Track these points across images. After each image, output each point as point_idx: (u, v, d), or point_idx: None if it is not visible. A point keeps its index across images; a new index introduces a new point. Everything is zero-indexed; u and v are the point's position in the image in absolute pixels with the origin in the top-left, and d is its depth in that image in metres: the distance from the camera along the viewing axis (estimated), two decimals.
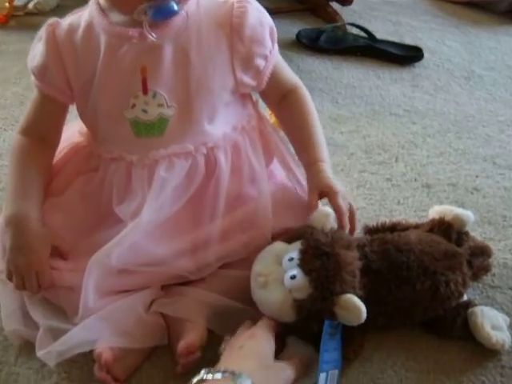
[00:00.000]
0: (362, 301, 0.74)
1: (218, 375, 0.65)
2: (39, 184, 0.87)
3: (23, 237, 0.82)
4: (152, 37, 0.79)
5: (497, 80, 1.64)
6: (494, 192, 1.17)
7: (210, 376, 0.65)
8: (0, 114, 1.37)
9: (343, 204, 0.86)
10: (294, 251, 0.78)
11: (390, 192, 1.16)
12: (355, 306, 0.74)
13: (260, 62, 0.88)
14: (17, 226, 0.82)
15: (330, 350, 0.75)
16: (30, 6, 1.87)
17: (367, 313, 0.74)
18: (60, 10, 1.82)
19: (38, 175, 0.87)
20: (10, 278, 0.82)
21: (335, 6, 1.92)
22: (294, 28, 1.78)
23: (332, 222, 0.82)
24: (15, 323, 0.82)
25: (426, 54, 1.73)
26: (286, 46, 1.71)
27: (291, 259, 0.77)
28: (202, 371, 0.66)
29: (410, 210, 1.11)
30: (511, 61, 1.77)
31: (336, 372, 0.76)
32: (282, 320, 0.77)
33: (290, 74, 0.96)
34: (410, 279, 0.81)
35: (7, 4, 1.81)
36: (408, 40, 1.82)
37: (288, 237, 0.82)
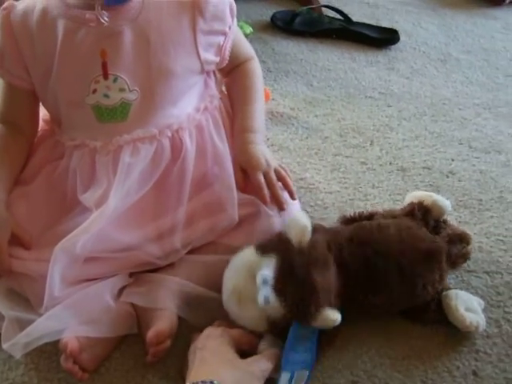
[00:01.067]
0: (338, 307, 0.74)
1: None
2: (10, 169, 0.86)
3: None
4: (104, 20, 0.77)
5: (473, 63, 1.63)
6: (469, 175, 1.17)
7: None
8: None
9: (261, 181, 0.86)
10: (267, 268, 0.75)
11: (365, 175, 1.15)
12: (331, 319, 0.73)
13: (221, 38, 0.89)
14: None
15: (299, 351, 0.74)
16: None
17: (342, 314, 0.73)
18: None
19: (10, 160, 0.87)
20: None
21: None
22: (268, 10, 1.77)
23: (308, 236, 0.78)
24: None
25: (402, 37, 1.71)
26: (260, 28, 1.69)
27: (265, 280, 0.75)
28: None
29: (385, 194, 1.11)
30: (488, 44, 1.76)
31: (305, 373, 0.74)
32: (256, 331, 0.76)
33: (245, 47, 0.98)
34: (388, 286, 0.80)
35: None
36: (384, 23, 1.81)
37: (261, 245, 0.79)
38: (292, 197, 0.89)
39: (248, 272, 0.77)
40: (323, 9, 1.79)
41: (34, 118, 0.91)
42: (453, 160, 1.21)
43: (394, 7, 1.95)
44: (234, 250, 0.81)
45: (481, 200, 1.10)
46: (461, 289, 0.88)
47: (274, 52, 1.54)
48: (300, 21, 1.72)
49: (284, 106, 1.33)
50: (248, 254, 0.79)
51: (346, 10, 1.77)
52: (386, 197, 1.10)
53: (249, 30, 1.56)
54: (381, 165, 1.18)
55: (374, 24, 1.79)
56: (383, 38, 1.71)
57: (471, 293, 0.88)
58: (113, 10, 0.78)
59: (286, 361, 0.73)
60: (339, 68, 1.55)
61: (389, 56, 1.64)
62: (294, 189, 0.89)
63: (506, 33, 1.85)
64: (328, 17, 1.76)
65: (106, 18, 0.77)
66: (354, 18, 1.76)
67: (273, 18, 1.72)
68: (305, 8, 1.76)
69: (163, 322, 0.76)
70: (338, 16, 1.76)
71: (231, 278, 0.78)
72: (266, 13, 1.73)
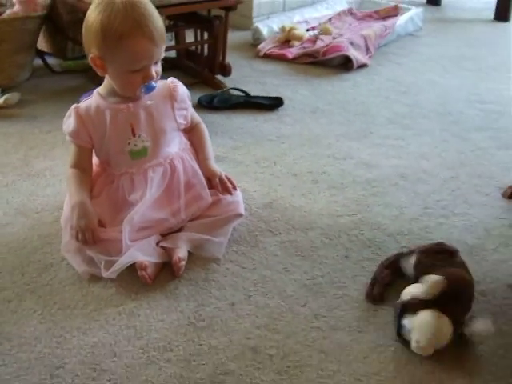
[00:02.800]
0: None
1: None
2: (87, 188, 1.56)
3: (84, 211, 1.49)
4: (149, 102, 1.53)
5: (333, 111, 2.46)
6: (334, 173, 1.96)
7: None
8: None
9: (218, 183, 1.62)
10: None
11: (273, 180, 1.91)
12: None
13: (186, 112, 1.65)
14: (79, 206, 1.50)
15: None
16: (1, 101, 2.38)
17: None
18: (22, 103, 2.43)
19: (85, 184, 1.57)
20: (76, 237, 1.48)
21: (220, 77, 2.66)
22: (195, 95, 2.40)
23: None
24: (84, 266, 1.48)
25: (286, 101, 2.49)
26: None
27: None
28: None
29: (286, 189, 1.87)
30: (342, 97, 2.60)
31: None
32: None
33: (196, 116, 1.73)
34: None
35: None
36: (272, 93, 2.58)
37: None
38: (234, 188, 1.66)
39: None
40: (231, 90, 2.53)
41: (91, 162, 1.61)
42: (324, 166, 2.01)
43: (278, 83, 2.73)
44: (210, 217, 1.59)
45: (342, 183, 1.91)
46: None
47: (204, 121, 2.26)
48: (217, 100, 2.43)
49: (219, 151, 2.04)
50: None
51: (246, 89, 2.53)
52: (287, 191, 1.87)
53: None
54: (282, 174, 1.95)
55: (266, 95, 2.54)
56: (273, 104, 2.46)
57: None
58: (136, 100, 1.53)
59: None
60: (248, 126, 2.30)
61: (278, 114, 2.41)
62: (235, 183, 1.67)
63: (354, 88, 2.70)
64: (235, 95, 2.50)
65: (149, 102, 1.53)
66: (252, 93, 2.52)
67: (199, 100, 2.42)
68: (219, 91, 2.50)
69: (181, 252, 1.49)
70: (242, 93, 2.50)
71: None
72: (194, 98, 2.35)
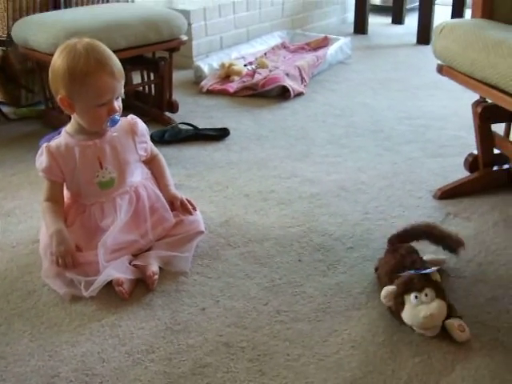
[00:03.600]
0: None
1: None
2: (61, 218, 1.71)
3: (62, 238, 1.64)
4: (114, 134, 1.71)
5: (276, 136, 2.67)
6: (281, 191, 2.17)
7: None
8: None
9: (179, 205, 1.81)
10: None
11: (227, 201, 2.10)
12: None
13: (146, 145, 1.83)
14: (57, 233, 1.65)
15: None
16: None
17: None
18: None
19: (60, 214, 1.71)
20: (57, 262, 1.62)
21: (168, 114, 2.85)
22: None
23: None
24: (64, 288, 1.62)
25: (231, 131, 2.69)
26: None
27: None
28: None
29: (240, 208, 2.06)
30: (283, 124, 2.81)
31: None
32: None
33: (154, 148, 1.91)
34: None
35: None
36: (219, 125, 2.77)
37: None
38: (194, 209, 1.84)
39: None
40: (180, 125, 2.70)
41: (63, 195, 1.75)
42: (272, 185, 2.19)
43: (222, 115, 2.93)
44: (175, 236, 1.76)
45: (289, 199, 2.11)
46: None
47: None
48: (168, 135, 2.61)
49: (174, 180, 2.13)
50: None
51: (194, 123, 2.71)
52: (241, 210, 2.04)
53: None
54: (234, 195, 2.13)
55: (213, 127, 2.72)
56: (220, 134, 2.65)
57: None
58: (101, 136, 1.71)
59: None
60: (199, 155, 2.48)
61: (226, 143, 2.60)
62: (194, 204, 1.86)
63: (293, 115, 2.92)
64: (184, 129, 2.67)
65: (115, 134, 1.71)
66: (200, 126, 2.70)
67: (151, 136, 2.45)
68: (169, 126, 2.68)
69: (153, 267, 1.65)
70: (190, 127, 2.68)
71: None
72: None
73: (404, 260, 1.54)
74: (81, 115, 1.68)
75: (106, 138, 1.73)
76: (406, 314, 1.42)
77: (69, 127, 1.75)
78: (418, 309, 1.40)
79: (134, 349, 1.42)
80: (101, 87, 1.62)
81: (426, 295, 1.42)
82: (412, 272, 1.46)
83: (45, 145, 1.73)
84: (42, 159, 1.72)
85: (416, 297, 1.42)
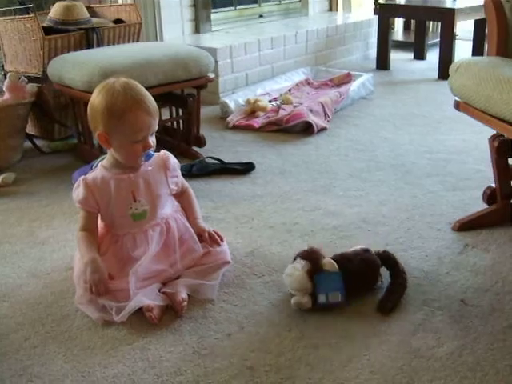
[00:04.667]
0: None
1: None
2: (95, 247, 1.79)
3: (96, 267, 1.71)
4: (149, 168, 1.81)
5: (299, 170, 2.74)
6: (307, 223, 2.25)
7: None
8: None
9: (208, 237, 1.90)
10: None
11: (252, 233, 2.18)
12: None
13: (177, 179, 1.92)
14: (92, 263, 1.72)
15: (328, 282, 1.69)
16: None
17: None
18: (18, 181, 2.69)
19: (94, 244, 1.80)
20: (90, 290, 1.70)
21: (195, 148, 2.94)
22: None
23: None
24: (97, 313, 1.70)
25: (257, 165, 2.77)
26: None
27: None
28: None
29: (265, 239, 2.14)
30: (306, 158, 2.89)
31: (338, 293, 1.67)
32: None
33: (185, 182, 1.99)
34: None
35: None
36: (244, 159, 2.86)
37: None
38: (221, 240, 1.92)
39: None
40: (207, 159, 2.78)
41: (97, 225, 1.84)
42: (296, 217, 2.27)
43: (248, 150, 3.02)
44: (203, 265, 1.84)
45: (312, 231, 2.18)
46: None
47: None
48: (196, 168, 2.67)
49: (201, 212, 2.18)
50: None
51: (220, 157, 2.80)
52: (266, 241, 2.11)
53: None
54: (260, 227, 2.20)
55: (239, 162, 2.80)
56: (246, 168, 2.73)
57: None
58: (136, 170, 1.80)
59: (319, 288, 1.65)
60: (225, 189, 2.56)
61: (251, 177, 2.68)
62: (222, 235, 1.94)
63: (316, 150, 3.00)
64: (211, 163, 2.75)
65: (150, 168, 1.82)
66: (226, 160, 2.79)
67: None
68: (197, 160, 2.76)
69: (182, 294, 1.73)
70: (216, 161, 2.76)
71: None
72: None
73: None
74: (117, 150, 1.78)
75: (139, 173, 1.82)
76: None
77: (105, 162, 1.85)
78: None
79: (162, 371, 1.49)
80: (138, 124, 1.72)
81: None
82: None
83: (82, 178, 1.82)
84: (78, 191, 1.81)
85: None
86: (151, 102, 1.75)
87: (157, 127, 1.80)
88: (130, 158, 1.78)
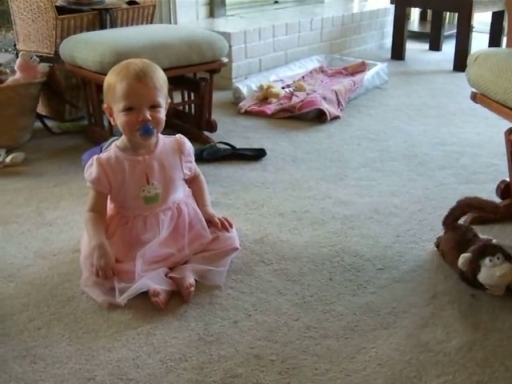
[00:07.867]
0: None
1: None
2: (103, 229, 1.77)
3: (103, 251, 1.70)
4: (156, 151, 1.79)
5: (311, 158, 2.72)
6: (317, 211, 2.22)
7: None
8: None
9: (218, 221, 1.88)
10: None
11: (262, 220, 2.16)
12: None
13: (191, 164, 1.90)
14: (99, 247, 1.71)
15: None
16: (8, 160, 2.60)
17: None
18: (27, 161, 2.66)
19: (102, 226, 1.78)
20: (97, 274, 1.69)
21: (207, 133, 2.92)
22: None
23: None
24: (102, 296, 1.68)
25: (268, 152, 2.74)
26: None
27: None
28: None
29: (274, 226, 2.12)
30: (319, 146, 2.86)
31: None
32: None
33: (197, 168, 1.97)
34: None
35: None
36: (255, 145, 2.84)
37: None
38: (231, 226, 1.90)
39: None
40: (218, 144, 2.76)
41: (106, 206, 1.82)
42: (306, 206, 2.24)
43: (259, 136, 2.99)
44: (211, 251, 1.82)
45: (323, 219, 2.16)
46: None
47: None
48: (206, 153, 2.65)
49: (211, 197, 2.16)
50: None
51: (231, 143, 2.77)
52: (275, 228, 2.10)
53: None
54: (269, 214, 2.18)
55: (250, 147, 2.79)
56: (257, 155, 2.71)
57: None
58: (151, 153, 1.78)
59: None
60: (235, 174, 2.54)
61: (262, 164, 2.66)
62: (231, 221, 1.92)
63: (328, 138, 2.97)
64: (222, 148, 2.73)
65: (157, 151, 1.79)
66: (238, 146, 2.76)
67: None
68: (207, 145, 2.73)
69: (189, 280, 1.71)
70: (228, 147, 2.74)
71: None
72: None
73: (465, 235, 1.81)
74: (116, 122, 1.76)
75: (154, 155, 1.80)
76: (483, 275, 1.65)
77: (119, 143, 1.82)
78: (494, 270, 1.63)
79: (167, 357, 1.48)
80: (127, 91, 1.68)
81: (498, 258, 1.64)
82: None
83: (95, 156, 1.79)
84: (91, 170, 1.78)
85: (490, 260, 1.64)
86: (158, 78, 1.73)
87: (162, 103, 1.74)
88: (126, 130, 1.74)
